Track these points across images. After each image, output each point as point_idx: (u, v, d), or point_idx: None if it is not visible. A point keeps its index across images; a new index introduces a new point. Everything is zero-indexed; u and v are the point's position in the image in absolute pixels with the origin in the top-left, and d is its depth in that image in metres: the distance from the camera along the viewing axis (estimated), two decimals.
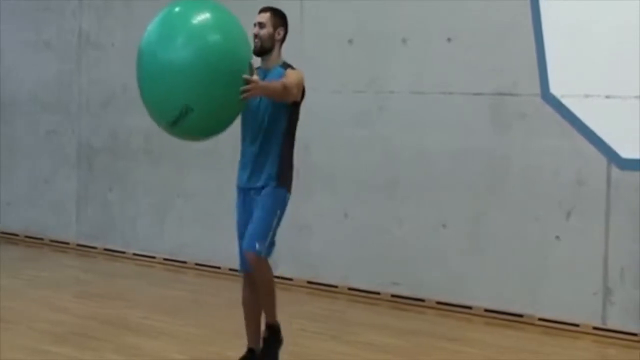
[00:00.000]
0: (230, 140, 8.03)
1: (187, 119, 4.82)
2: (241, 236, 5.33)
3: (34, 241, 9.94)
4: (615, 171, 6.65)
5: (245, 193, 5.32)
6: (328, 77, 7.83)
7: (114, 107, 9.33)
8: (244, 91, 4.85)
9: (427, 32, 7.44)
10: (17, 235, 10.10)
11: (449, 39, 7.34)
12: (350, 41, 7.83)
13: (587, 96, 6.75)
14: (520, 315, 7.03)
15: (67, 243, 9.71)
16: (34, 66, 10.01)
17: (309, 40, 7.94)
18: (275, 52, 5.30)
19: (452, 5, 7.32)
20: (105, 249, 9.42)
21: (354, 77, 7.82)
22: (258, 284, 5.27)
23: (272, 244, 5.25)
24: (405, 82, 7.56)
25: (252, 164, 5.27)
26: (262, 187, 5.24)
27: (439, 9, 7.39)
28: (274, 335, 5.35)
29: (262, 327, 5.40)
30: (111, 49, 9.40)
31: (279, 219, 5.27)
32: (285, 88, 5.07)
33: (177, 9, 4.97)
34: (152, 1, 8.93)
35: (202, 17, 4.91)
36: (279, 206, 5.26)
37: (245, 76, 4.85)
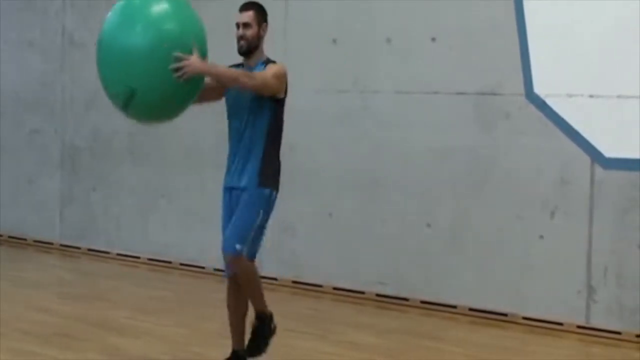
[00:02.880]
0: (213, 141, 8.07)
1: (135, 102, 4.95)
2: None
3: (17, 241, 9.90)
4: (599, 170, 6.68)
5: (230, 192, 5.27)
6: (312, 76, 7.83)
7: (98, 107, 9.28)
8: (177, 69, 4.84)
9: (412, 31, 7.45)
10: (0, 235, 10.05)
11: (433, 39, 7.35)
12: (334, 41, 7.84)
13: (570, 96, 6.77)
14: (505, 314, 7.04)
15: (51, 243, 9.68)
16: (17, 66, 9.98)
17: (292, 40, 7.93)
18: (259, 50, 5.25)
19: (436, 5, 7.33)
20: (89, 249, 9.40)
21: (338, 76, 7.83)
22: (242, 282, 5.22)
23: (256, 245, 5.19)
24: (390, 82, 7.57)
25: (235, 162, 5.22)
26: (245, 188, 5.17)
27: (423, 8, 7.40)
28: (264, 324, 5.29)
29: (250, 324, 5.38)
30: (95, 49, 9.34)
31: (264, 219, 5.20)
32: (249, 77, 5.03)
33: None
34: None
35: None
36: (262, 206, 5.18)
37: (177, 54, 4.84)
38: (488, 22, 7.10)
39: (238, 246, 5.11)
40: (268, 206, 5.22)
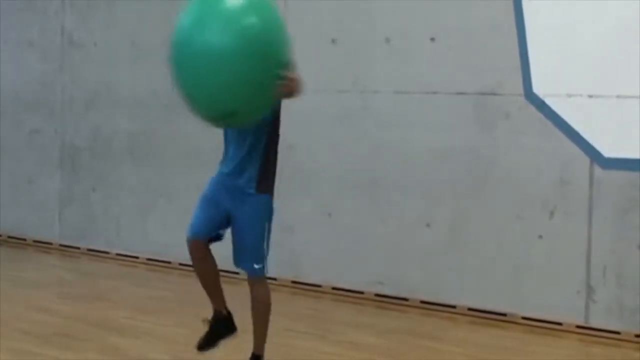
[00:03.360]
0: (213, 141, 8.04)
1: (232, 120, 4.80)
2: (206, 206, 5.19)
3: (16, 242, 9.90)
4: (598, 170, 6.68)
5: (225, 180, 5.13)
6: (311, 76, 7.73)
7: (98, 107, 9.30)
8: (282, 87, 4.72)
9: (411, 31, 7.45)
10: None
11: (432, 39, 7.35)
12: (333, 41, 7.84)
13: (570, 96, 6.77)
14: (504, 314, 7.05)
15: (50, 243, 9.68)
16: (17, 66, 9.97)
17: (292, 40, 7.92)
18: None
19: (435, 5, 7.34)
20: (89, 249, 9.40)
21: (337, 76, 7.83)
22: (255, 307, 5.19)
23: (267, 255, 5.19)
24: (389, 82, 7.57)
25: (234, 161, 5.11)
26: (244, 189, 5.08)
27: (423, 8, 7.40)
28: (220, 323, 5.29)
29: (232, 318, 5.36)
30: (94, 49, 9.37)
31: (269, 230, 5.18)
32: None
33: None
34: (135, 1, 8.99)
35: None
36: (266, 218, 5.14)
37: (286, 73, 4.72)
38: (488, 22, 7.11)
39: (257, 266, 5.11)
40: (270, 214, 5.19)
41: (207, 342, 5.36)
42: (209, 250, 5.21)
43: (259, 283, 5.18)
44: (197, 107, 4.76)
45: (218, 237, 5.22)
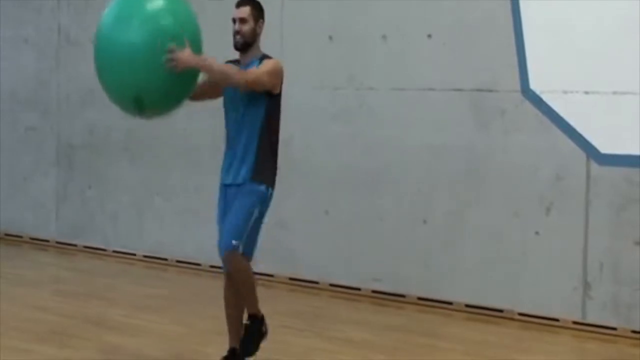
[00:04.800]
0: (209, 138, 8.07)
1: (145, 105, 5.04)
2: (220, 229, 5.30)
3: (13, 239, 9.90)
4: (595, 166, 6.68)
5: (227, 189, 5.26)
6: (308, 73, 7.83)
7: (94, 104, 9.28)
8: (169, 61, 4.87)
9: (407, 28, 7.45)
10: None
11: (429, 36, 7.35)
12: (330, 37, 7.84)
13: (566, 92, 6.78)
14: (501, 311, 7.05)
15: (47, 241, 9.67)
16: (13, 63, 9.96)
17: (288, 37, 7.93)
18: (255, 46, 5.24)
19: (432, 2, 7.34)
20: (85, 247, 9.39)
21: (334, 73, 7.83)
22: (236, 281, 5.21)
23: (252, 242, 5.17)
24: (386, 79, 7.57)
25: (231, 158, 5.22)
26: (241, 184, 5.17)
27: (419, 5, 7.40)
28: (255, 325, 5.27)
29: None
30: (90, 46, 9.28)
31: (259, 217, 5.19)
32: (241, 74, 5.04)
33: None
34: None
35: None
36: (257, 203, 5.17)
37: (170, 46, 4.86)
38: (484, 19, 7.11)
39: (234, 242, 5.10)
40: (263, 202, 5.21)
41: (250, 346, 5.32)
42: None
43: (234, 258, 5.13)
44: (109, 96, 5.20)
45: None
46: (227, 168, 5.26)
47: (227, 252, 5.14)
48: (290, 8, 7.96)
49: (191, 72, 5.01)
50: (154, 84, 4.95)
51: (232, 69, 5.14)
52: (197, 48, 5.02)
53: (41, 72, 9.74)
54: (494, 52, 7.06)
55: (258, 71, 5.10)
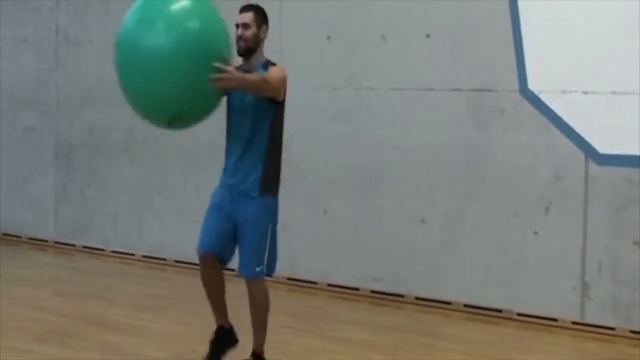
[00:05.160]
0: (208, 139, 8.07)
1: (179, 122, 4.98)
2: (212, 219, 5.25)
3: (12, 239, 9.90)
4: (593, 166, 6.69)
5: (230, 190, 5.21)
6: (307, 73, 7.83)
7: (93, 104, 9.29)
8: (216, 79, 4.80)
9: (406, 28, 7.46)
10: None
11: (428, 35, 7.36)
12: (328, 37, 7.84)
13: (564, 92, 6.78)
14: (499, 311, 7.06)
15: (46, 241, 9.67)
16: (12, 63, 9.96)
17: (287, 37, 7.93)
18: (259, 52, 5.24)
19: (431, 1, 7.34)
20: (84, 247, 9.39)
21: (332, 73, 7.83)
22: (253, 309, 5.25)
23: (273, 257, 5.23)
24: (385, 79, 7.57)
25: (236, 165, 5.18)
26: (248, 193, 5.15)
27: (418, 5, 7.40)
28: None
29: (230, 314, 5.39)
30: (89, 46, 9.36)
31: (274, 231, 5.23)
32: (266, 81, 5.00)
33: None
34: None
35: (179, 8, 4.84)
36: (270, 218, 5.21)
37: (218, 65, 4.78)
38: (483, 19, 7.11)
39: (258, 269, 5.17)
40: (275, 215, 5.27)
41: (213, 357, 5.39)
42: (218, 264, 5.28)
43: (258, 284, 5.22)
44: (145, 113, 4.94)
45: (224, 261, 5.28)
46: (231, 173, 5.21)
47: (250, 280, 5.20)
48: (288, 8, 7.97)
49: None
50: (197, 103, 4.87)
51: (261, 78, 5.06)
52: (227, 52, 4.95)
53: (40, 72, 9.74)
54: (493, 52, 7.06)
55: (275, 78, 5.08)
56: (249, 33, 5.17)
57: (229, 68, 4.84)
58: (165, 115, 4.88)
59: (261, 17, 5.24)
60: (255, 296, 5.24)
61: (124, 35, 4.86)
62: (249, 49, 5.18)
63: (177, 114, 4.87)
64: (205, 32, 4.82)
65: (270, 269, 5.24)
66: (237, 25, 5.21)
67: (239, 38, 5.18)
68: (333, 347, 6.16)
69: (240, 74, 4.94)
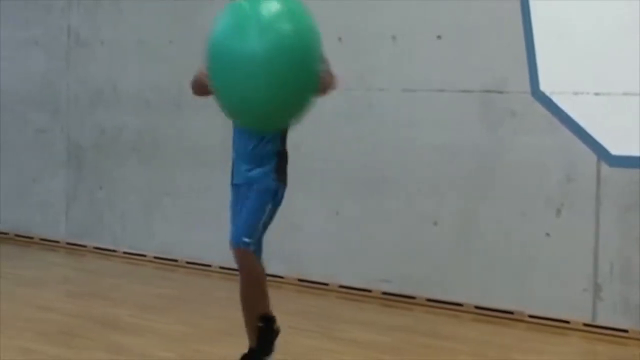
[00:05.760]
0: (218, 139, 8.05)
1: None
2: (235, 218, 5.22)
3: (22, 240, 9.91)
4: (605, 168, 6.65)
5: (239, 189, 5.21)
6: None
7: (103, 105, 9.30)
8: (323, 87, 4.91)
9: (417, 29, 7.43)
10: (6, 234, 10.05)
11: (438, 37, 7.33)
12: (339, 39, 7.82)
13: (576, 93, 6.74)
14: (510, 312, 7.02)
15: (57, 241, 9.68)
16: (22, 64, 9.98)
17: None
18: None
19: (442, 2, 7.31)
20: (95, 247, 9.39)
21: (343, 74, 7.78)
22: (246, 279, 5.17)
23: (261, 241, 5.16)
24: (395, 80, 7.55)
25: (248, 157, 5.15)
26: (257, 180, 5.13)
27: (429, 6, 7.37)
28: (267, 325, 5.24)
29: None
30: (100, 47, 9.37)
31: (270, 216, 5.16)
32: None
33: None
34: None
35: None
36: (270, 199, 5.14)
37: (324, 72, 4.89)
38: (494, 20, 7.08)
39: (246, 239, 5.07)
40: (276, 202, 5.19)
41: (268, 347, 5.27)
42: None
43: (247, 257, 5.09)
44: (249, 122, 4.91)
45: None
46: (243, 167, 5.18)
47: (239, 250, 5.11)
48: None
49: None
50: (301, 107, 4.88)
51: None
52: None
53: (51, 73, 9.75)
54: (504, 53, 7.03)
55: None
56: None
57: (332, 75, 4.97)
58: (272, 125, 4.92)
59: None
60: (245, 269, 5.12)
61: (222, 43, 4.71)
62: None
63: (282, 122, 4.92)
64: (299, 35, 4.77)
65: (258, 252, 5.13)
66: None
67: None
68: (343, 348, 6.13)
69: (334, 77, 5.04)
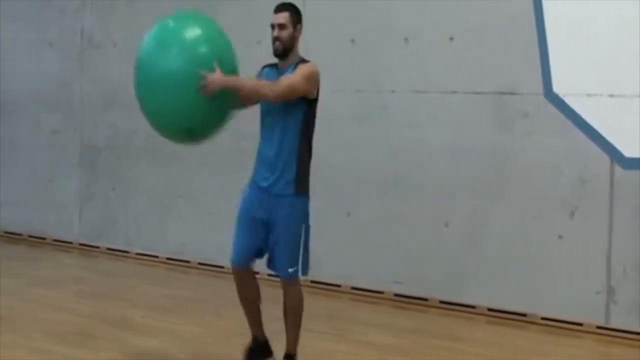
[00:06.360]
0: (231, 141, 8.06)
1: (196, 134, 5.28)
2: (244, 229, 5.21)
3: (36, 240, 9.94)
4: (618, 170, 6.64)
5: (264, 192, 5.18)
6: (330, 76, 7.74)
7: (117, 106, 9.32)
8: (202, 87, 4.94)
9: (429, 31, 7.43)
10: (19, 234, 10.09)
11: (451, 38, 7.33)
12: (352, 40, 7.82)
13: (589, 95, 6.73)
14: (524, 315, 7.01)
15: (70, 242, 9.71)
16: (36, 65, 10.01)
17: (311, 40, 7.87)
18: (294, 51, 5.22)
19: (454, 4, 7.31)
20: (108, 249, 9.42)
21: (356, 76, 7.81)
22: (288, 309, 5.25)
23: (307, 258, 5.21)
24: (407, 81, 7.55)
25: (270, 164, 5.16)
26: (282, 194, 5.13)
27: (441, 8, 7.37)
28: None
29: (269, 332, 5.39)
30: (113, 49, 9.40)
31: (307, 231, 5.20)
32: (269, 87, 5.03)
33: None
34: (155, 1, 8.99)
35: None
36: (304, 217, 5.19)
37: (201, 72, 4.93)
38: (506, 21, 7.07)
39: (291, 270, 5.15)
40: (307, 214, 5.23)
41: None
42: (253, 276, 5.29)
43: (292, 286, 5.22)
44: (159, 127, 5.41)
45: (260, 254, 5.28)
46: (264, 173, 5.18)
47: (286, 281, 5.19)
48: (312, 11, 7.94)
49: (226, 92, 5.05)
50: (198, 112, 5.07)
51: (262, 83, 5.13)
52: (231, 68, 5.10)
53: (65, 75, 9.78)
54: (517, 55, 7.02)
55: (288, 80, 5.04)
56: (285, 34, 5.16)
57: (210, 74, 4.94)
58: (178, 130, 5.24)
59: (296, 15, 5.23)
60: (290, 297, 5.23)
61: (144, 57, 5.33)
62: (286, 49, 5.17)
63: (189, 129, 5.19)
64: (212, 55, 5.04)
65: (305, 269, 5.21)
66: (273, 26, 5.18)
67: (276, 39, 5.16)
68: (355, 350, 6.14)
69: (225, 78, 5.00)
